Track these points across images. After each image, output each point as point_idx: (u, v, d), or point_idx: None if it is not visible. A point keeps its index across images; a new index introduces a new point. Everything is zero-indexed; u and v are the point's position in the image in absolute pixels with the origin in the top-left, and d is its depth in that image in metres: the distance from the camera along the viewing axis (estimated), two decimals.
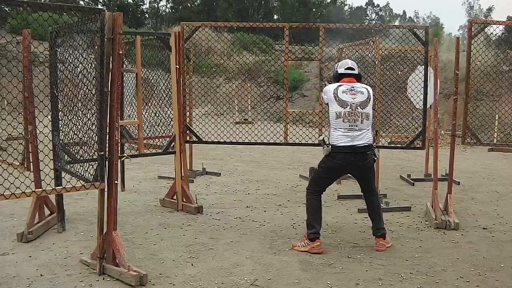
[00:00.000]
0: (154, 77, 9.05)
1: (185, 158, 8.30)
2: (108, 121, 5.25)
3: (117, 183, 5.40)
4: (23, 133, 7.16)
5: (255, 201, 8.75)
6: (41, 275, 5.47)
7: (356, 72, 6.51)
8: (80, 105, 5.87)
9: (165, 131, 8.72)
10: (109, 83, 5.24)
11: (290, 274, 5.49)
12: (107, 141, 5.26)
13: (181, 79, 8.14)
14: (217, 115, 9.60)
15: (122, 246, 5.41)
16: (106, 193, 5.39)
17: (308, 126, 15.94)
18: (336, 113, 6.15)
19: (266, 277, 5.38)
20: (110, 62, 5.24)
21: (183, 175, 8.17)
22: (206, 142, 8.94)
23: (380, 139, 8.77)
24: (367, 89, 6.35)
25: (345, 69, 6.47)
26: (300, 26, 8.80)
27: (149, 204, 8.56)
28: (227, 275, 5.46)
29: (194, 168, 11.34)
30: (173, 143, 8.09)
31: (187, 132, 8.69)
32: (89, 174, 5.46)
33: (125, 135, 8.61)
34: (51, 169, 5.91)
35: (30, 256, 6.04)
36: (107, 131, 5.26)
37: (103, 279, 5.32)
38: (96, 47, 5.47)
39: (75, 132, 5.88)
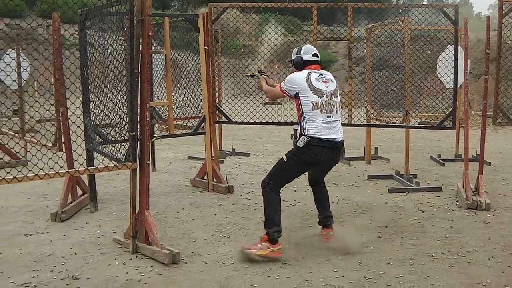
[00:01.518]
0: (183, 59, 9.07)
1: (215, 138, 8.36)
2: (139, 102, 5.30)
3: (148, 163, 5.46)
4: (55, 115, 7.25)
5: None
6: (75, 253, 5.58)
7: (319, 59, 5.93)
8: (110, 86, 5.93)
9: (194, 112, 8.77)
10: (139, 65, 5.28)
11: (321, 253, 5.51)
12: (138, 122, 5.31)
13: (210, 60, 8.17)
14: (246, 96, 9.55)
15: (155, 225, 5.48)
16: (138, 173, 5.46)
17: None
18: (313, 103, 5.46)
19: (297, 256, 5.41)
20: (140, 43, 5.28)
21: (213, 155, 8.22)
22: (236, 123, 8.98)
23: (410, 119, 8.70)
24: (332, 76, 5.85)
25: (312, 55, 5.83)
26: (328, 6, 8.74)
27: (179, 184, 8.64)
28: None
29: (224, 149, 11.40)
30: (203, 124, 8.13)
31: (217, 112, 8.73)
32: (121, 155, 5.53)
33: (155, 116, 8.67)
34: (82, 150, 5.99)
35: (64, 235, 6.15)
36: (138, 112, 5.30)
37: (136, 257, 5.41)
38: (125, 29, 5.52)
39: (106, 114, 5.95)
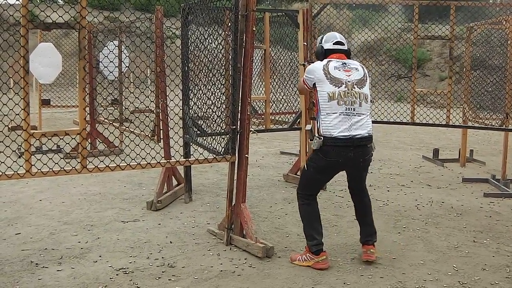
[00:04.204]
0: (283, 54, 9.13)
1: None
2: (240, 96, 5.37)
3: (247, 157, 5.52)
4: (149, 106, 7.43)
5: (378, 180, 8.69)
6: (170, 242, 5.71)
7: (345, 47, 5.28)
8: (211, 80, 6.03)
9: (288, 107, 8.80)
10: (242, 59, 5.35)
11: (414, 254, 5.44)
12: (239, 116, 5.38)
13: (308, 56, 8.18)
14: None
15: (250, 218, 5.54)
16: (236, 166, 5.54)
17: (429, 106, 15.59)
18: (329, 94, 4.91)
19: (391, 256, 5.36)
20: (244, 38, 5.34)
21: (307, 151, 8.23)
22: None
23: (511, 122, 8.46)
24: (361, 66, 5.19)
25: (333, 43, 5.25)
26: (430, 4, 8.60)
27: (272, 179, 8.70)
28: (352, 252, 5.48)
29: None
30: (299, 119, 8.15)
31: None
32: (220, 147, 5.62)
33: (251, 110, 8.75)
34: (174, 142, 6.12)
35: (160, 224, 6.31)
36: (239, 105, 5.37)
37: (230, 249, 5.49)
38: (230, 24, 5.60)
39: (208, 106, 6.05)
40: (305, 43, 7.85)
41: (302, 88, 5.44)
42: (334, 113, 4.87)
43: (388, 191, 8.00)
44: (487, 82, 9.25)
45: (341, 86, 4.92)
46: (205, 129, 6.56)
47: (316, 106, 5.11)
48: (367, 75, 5.13)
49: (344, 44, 5.26)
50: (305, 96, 7.44)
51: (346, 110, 4.87)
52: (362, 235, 5.35)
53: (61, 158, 8.67)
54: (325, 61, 5.11)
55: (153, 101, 7.54)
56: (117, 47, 9.86)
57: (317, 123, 5.05)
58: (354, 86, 4.96)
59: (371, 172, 9.21)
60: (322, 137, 4.87)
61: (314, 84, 5.07)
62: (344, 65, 5.07)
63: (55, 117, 16.49)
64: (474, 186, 8.54)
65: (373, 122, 8.79)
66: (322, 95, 4.95)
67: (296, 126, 8.20)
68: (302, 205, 5.26)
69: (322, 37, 5.37)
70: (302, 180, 5.37)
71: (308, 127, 5.20)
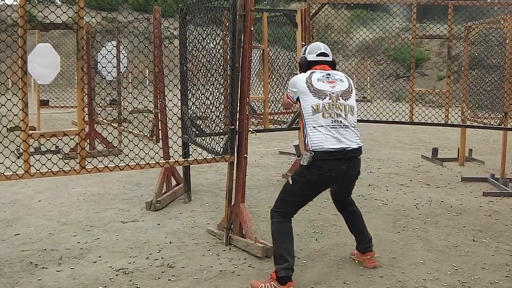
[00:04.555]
0: (281, 54, 9.15)
1: None
2: (239, 95, 5.37)
3: (246, 157, 5.52)
4: (148, 107, 7.43)
5: (377, 180, 8.69)
6: (170, 242, 5.72)
7: (330, 58, 5.05)
8: (209, 80, 6.03)
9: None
10: (241, 59, 5.35)
11: (414, 254, 5.44)
12: (238, 116, 5.38)
13: None
14: None
15: (249, 218, 5.55)
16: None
17: (428, 106, 15.61)
18: (313, 107, 4.63)
19: (390, 256, 5.37)
20: (242, 38, 5.34)
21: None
22: None
23: (510, 121, 8.45)
24: (346, 77, 4.93)
25: (316, 55, 5.01)
26: (428, 3, 8.60)
27: (271, 179, 8.70)
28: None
29: None
30: (297, 119, 8.15)
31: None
32: (219, 147, 5.62)
33: (250, 110, 8.76)
34: (173, 142, 6.12)
35: (159, 224, 6.32)
36: (238, 105, 5.38)
37: (230, 249, 5.50)
38: (228, 24, 5.60)
39: (207, 106, 6.05)
40: (303, 43, 7.86)
41: (287, 104, 5.15)
42: (320, 126, 4.59)
43: (387, 190, 8.01)
44: (486, 81, 9.27)
45: (325, 98, 4.66)
46: (203, 129, 6.56)
47: (302, 120, 4.86)
48: (353, 87, 4.92)
49: (328, 55, 5.04)
50: None
51: (332, 122, 4.61)
52: (360, 244, 5.18)
53: (59, 159, 8.66)
54: (308, 72, 4.87)
55: (151, 101, 7.55)
56: (115, 47, 9.86)
57: (305, 138, 4.71)
58: (339, 97, 4.72)
59: (370, 172, 9.25)
60: (312, 152, 4.53)
61: (298, 98, 4.82)
62: (328, 76, 4.83)
63: (53, 118, 16.48)
64: (473, 185, 8.55)
65: (372, 121, 8.95)
66: (306, 109, 4.70)
67: (294, 126, 8.21)
68: (277, 222, 4.79)
69: (306, 48, 5.16)
70: (283, 196, 4.85)
71: (296, 142, 4.86)
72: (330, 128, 4.57)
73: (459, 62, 19.52)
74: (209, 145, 5.96)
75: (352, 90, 4.85)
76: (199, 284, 4.68)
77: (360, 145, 4.72)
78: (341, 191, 5.13)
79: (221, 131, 5.80)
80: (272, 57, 9.56)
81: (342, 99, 4.71)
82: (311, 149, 4.54)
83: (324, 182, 4.71)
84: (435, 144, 11.93)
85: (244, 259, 5.22)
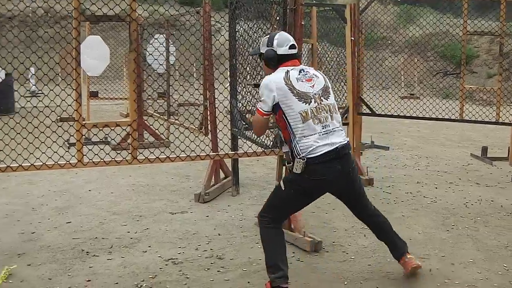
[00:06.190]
0: (330, 49, 9.14)
1: (357, 130, 8.32)
2: None
3: None
4: (198, 99, 7.48)
5: (425, 177, 8.58)
6: (218, 234, 5.77)
7: (296, 51, 4.51)
8: (260, 74, 6.04)
9: (337, 103, 8.78)
10: None
11: (464, 252, 5.37)
12: None
13: (356, 51, 8.14)
14: (385, 89, 9.46)
15: (298, 212, 5.54)
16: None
17: (478, 103, 15.38)
18: (301, 114, 4.13)
19: (440, 254, 5.31)
20: (292, 32, 5.34)
21: (355, 146, 8.20)
22: (380, 115, 8.90)
23: None
24: (319, 72, 4.50)
25: (288, 47, 4.39)
26: None
27: None
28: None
29: (362, 141, 11.32)
30: (346, 115, 8.11)
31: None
32: (269, 141, 5.63)
33: None
34: (224, 135, 6.15)
35: (207, 216, 6.37)
36: None
37: None
38: (278, 18, 5.60)
39: (256, 100, 6.06)
40: (352, 38, 7.82)
41: (261, 122, 4.44)
42: (311, 134, 4.14)
43: (436, 188, 7.91)
44: None
45: (310, 102, 4.17)
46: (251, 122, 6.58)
47: (286, 131, 4.27)
48: (328, 82, 4.45)
49: (296, 48, 4.50)
50: (353, 93, 7.36)
51: (323, 129, 4.17)
52: (395, 251, 4.76)
53: (110, 150, 8.80)
54: (281, 71, 4.28)
55: (201, 94, 7.60)
56: (166, 40, 9.95)
57: (293, 148, 4.22)
58: (322, 98, 4.25)
59: (418, 169, 9.15)
60: (305, 158, 4.11)
61: (276, 104, 4.21)
62: (303, 73, 4.30)
63: (102, 109, 16.69)
64: None
65: (421, 118, 8.83)
66: (293, 117, 4.17)
67: (344, 122, 8.18)
68: (267, 228, 4.40)
69: (272, 39, 4.45)
70: (273, 201, 4.49)
71: (285, 148, 4.38)
72: (322, 135, 4.15)
73: (510, 59, 19.19)
74: (258, 138, 5.97)
75: (329, 85, 4.42)
76: (248, 276, 4.71)
77: (347, 140, 4.34)
78: (349, 197, 4.63)
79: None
80: (321, 52, 9.53)
81: (324, 98, 4.27)
82: (302, 156, 4.13)
83: (318, 188, 4.32)
84: (485, 143, 11.72)
85: (293, 252, 5.21)
